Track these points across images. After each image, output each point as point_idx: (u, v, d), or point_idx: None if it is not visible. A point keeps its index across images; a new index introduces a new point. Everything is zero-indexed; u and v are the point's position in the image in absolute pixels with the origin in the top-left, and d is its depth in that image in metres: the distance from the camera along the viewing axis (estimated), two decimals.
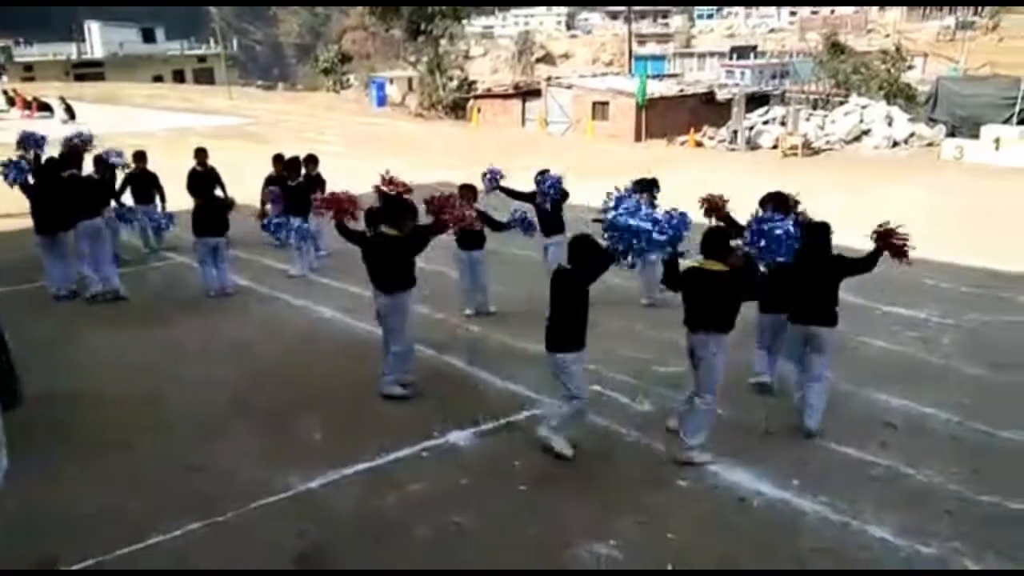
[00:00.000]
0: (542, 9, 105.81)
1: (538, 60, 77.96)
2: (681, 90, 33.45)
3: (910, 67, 34.59)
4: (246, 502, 5.38)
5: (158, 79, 56.32)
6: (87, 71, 56.63)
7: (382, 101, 42.40)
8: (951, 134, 24.65)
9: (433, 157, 21.06)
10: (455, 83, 39.56)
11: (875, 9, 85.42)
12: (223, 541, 5.04)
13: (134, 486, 5.64)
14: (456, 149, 25.31)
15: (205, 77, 59.41)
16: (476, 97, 37.54)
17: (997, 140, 22.02)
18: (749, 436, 6.30)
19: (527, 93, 35.04)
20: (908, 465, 5.87)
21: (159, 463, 5.96)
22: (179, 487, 5.62)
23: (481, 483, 5.69)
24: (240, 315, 9.31)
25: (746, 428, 6.43)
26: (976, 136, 22.91)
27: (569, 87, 33.32)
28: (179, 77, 59.83)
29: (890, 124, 26.37)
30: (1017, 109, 22.80)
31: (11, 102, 35.59)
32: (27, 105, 33.74)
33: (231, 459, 6.01)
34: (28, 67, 56.37)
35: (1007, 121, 22.85)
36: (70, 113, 30.32)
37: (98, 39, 60.84)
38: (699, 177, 16.45)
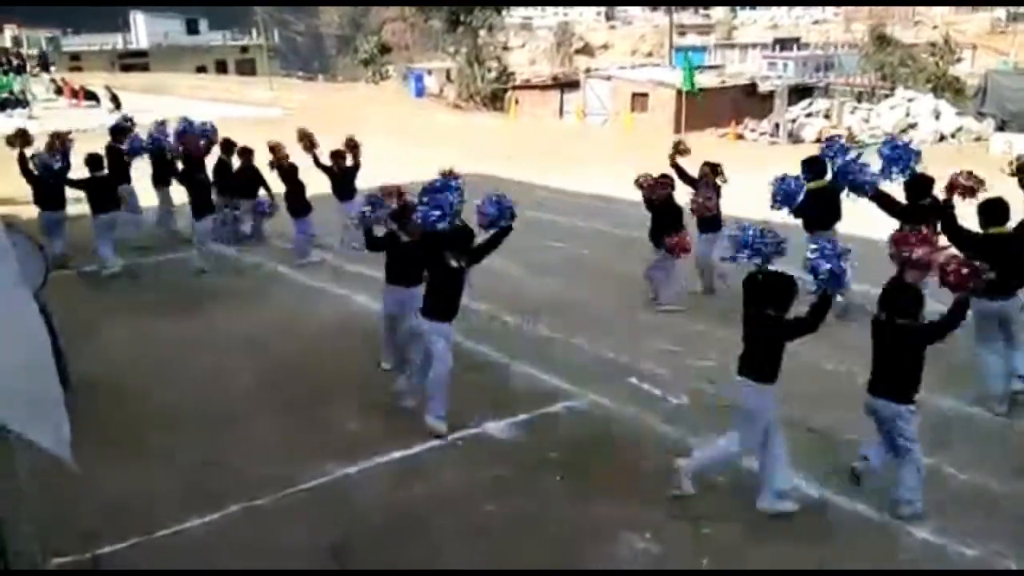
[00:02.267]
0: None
1: (577, 51, 77.52)
2: (723, 82, 33.06)
3: (959, 60, 33.76)
4: (281, 489, 5.45)
5: (201, 70, 57.13)
6: (133, 61, 57.65)
7: (420, 92, 42.53)
8: (1000, 128, 24.04)
9: (473, 148, 21.09)
10: (493, 74, 39.57)
11: None
12: (255, 527, 5.12)
13: (166, 471, 5.75)
14: (497, 141, 25.31)
15: (247, 68, 60.12)
16: (514, 88, 37.49)
17: None
18: (789, 433, 6.21)
19: (565, 85, 34.92)
20: (952, 466, 5.75)
21: (190, 449, 6.05)
22: (213, 473, 5.71)
23: (516, 473, 5.70)
24: (278, 303, 9.41)
25: (787, 424, 6.34)
26: None
27: (608, 79, 33.11)
28: (222, 68, 60.63)
29: (937, 118, 25.80)
30: None
31: (59, 91, 36.40)
32: (74, 94, 34.47)
33: (265, 446, 6.10)
34: (75, 56, 57.50)
35: None
36: (116, 102, 30.91)
37: (143, 30, 61.92)
38: (742, 172, 16.27)
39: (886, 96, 28.50)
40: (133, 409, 6.71)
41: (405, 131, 26.50)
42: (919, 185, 7.66)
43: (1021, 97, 24.32)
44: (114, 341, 8.17)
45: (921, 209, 7.41)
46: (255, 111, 31.60)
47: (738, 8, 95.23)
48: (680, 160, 9.62)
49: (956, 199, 7.06)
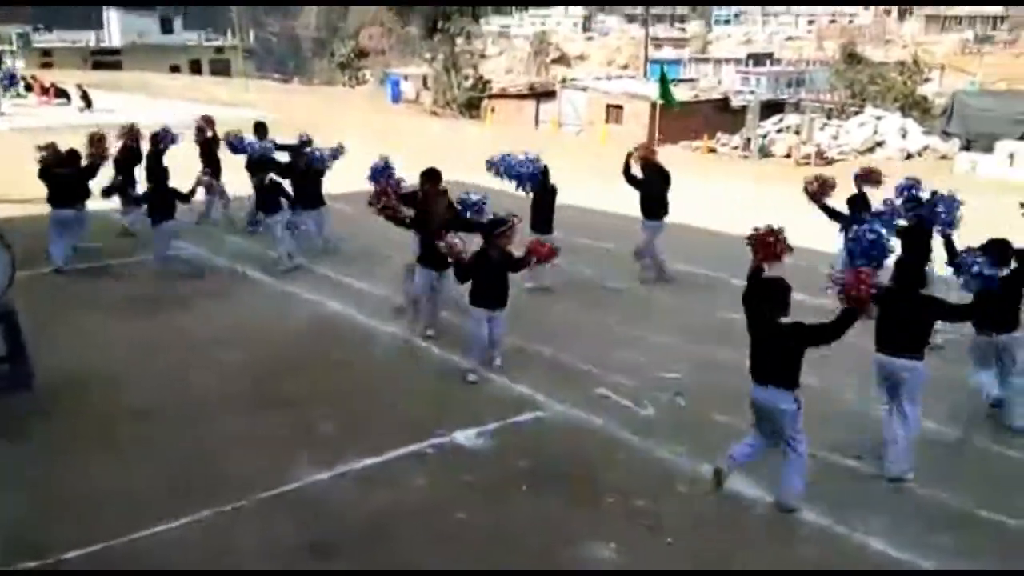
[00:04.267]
0: (559, 10, 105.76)
1: (553, 61, 78.00)
2: (696, 96, 33.44)
3: (927, 80, 34.48)
4: (253, 493, 5.46)
5: (175, 69, 56.59)
6: (105, 59, 56.96)
7: (397, 98, 42.52)
8: (965, 148, 24.54)
9: (450, 155, 21.11)
10: (470, 82, 39.70)
11: (894, 20, 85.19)
12: (228, 531, 5.13)
13: (140, 473, 5.74)
14: (474, 149, 25.33)
15: (222, 68, 59.62)
16: (490, 97, 37.62)
17: (1011, 155, 21.93)
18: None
19: (542, 94, 35.11)
20: (912, 479, 5.89)
21: (165, 452, 6.04)
22: (185, 476, 5.71)
23: (484, 482, 5.76)
24: (249, 307, 9.38)
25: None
26: (990, 151, 22.81)
27: (584, 89, 33.35)
28: (196, 67, 60.10)
29: (904, 136, 26.29)
30: None
31: (28, 88, 35.87)
32: (44, 92, 33.99)
33: (238, 450, 6.10)
34: (46, 52, 56.74)
35: (1022, 137, 22.73)
36: (87, 101, 30.53)
37: (116, 27, 61.23)
38: (709, 186, 16.54)
39: (856, 113, 29.01)
40: (98, 412, 6.66)
41: (382, 137, 26.44)
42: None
43: (986, 117, 24.85)
44: (82, 343, 8.10)
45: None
46: (234, 112, 31.29)
47: (713, 22, 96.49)
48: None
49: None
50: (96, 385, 7.16)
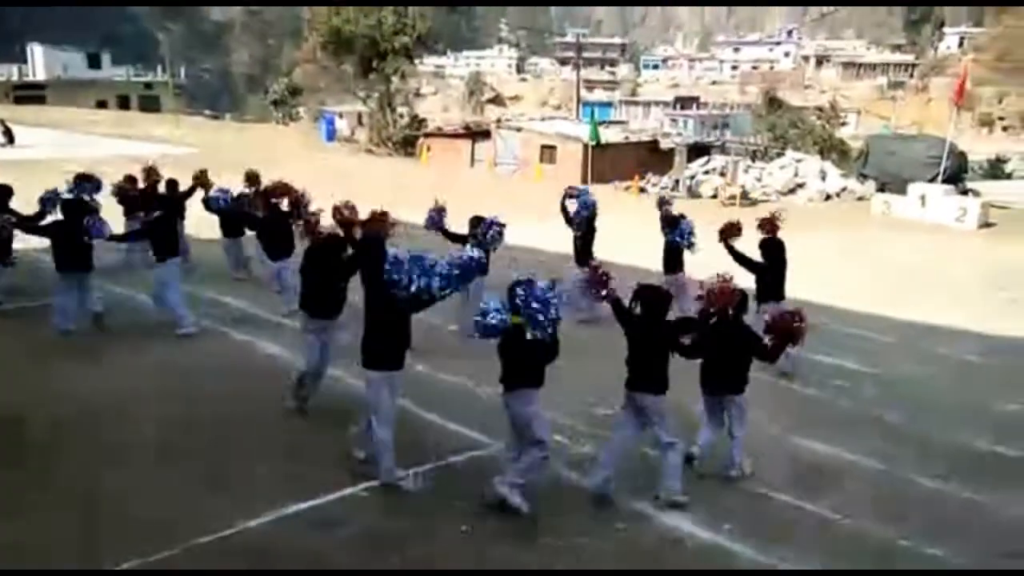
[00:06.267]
0: (494, 51, 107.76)
1: (489, 101, 79.25)
2: (626, 138, 34.33)
3: (843, 124, 36.18)
4: (185, 540, 5.34)
5: (102, 104, 55.30)
6: (28, 93, 55.37)
7: (331, 135, 42.42)
8: (881, 190, 25.72)
9: (386, 194, 21.16)
10: (405, 120, 39.91)
11: (812, 67, 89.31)
12: None
13: (70, 523, 5.57)
14: (409, 188, 25.42)
15: (151, 104, 58.55)
16: (426, 136, 37.88)
17: (923, 197, 23.10)
18: (684, 480, 6.49)
19: (477, 134, 35.51)
20: (835, 511, 6.13)
21: (95, 499, 5.88)
22: (117, 525, 5.56)
23: (422, 523, 5.76)
24: (183, 349, 9.21)
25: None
26: (904, 192, 23.97)
27: (518, 130, 33.88)
28: (124, 103, 58.80)
29: (823, 178, 27.44)
30: (942, 168, 23.92)
31: None
32: None
33: (169, 496, 5.96)
34: None
35: (933, 179, 23.97)
36: (8, 136, 29.65)
37: (40, 62, 59.69)
38: (640, 224, 16.97)
39: (779, 154, 30.18)
40: (20, 455, 6.45)
41: (320, 176, 26.35)
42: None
43: (898, 161, 26.14)
44: (8, 387, 7.85)
45: None
46: (163, 148, 30.82)
47: (642, 66, 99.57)
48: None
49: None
50: (19, 430, 6.92)
